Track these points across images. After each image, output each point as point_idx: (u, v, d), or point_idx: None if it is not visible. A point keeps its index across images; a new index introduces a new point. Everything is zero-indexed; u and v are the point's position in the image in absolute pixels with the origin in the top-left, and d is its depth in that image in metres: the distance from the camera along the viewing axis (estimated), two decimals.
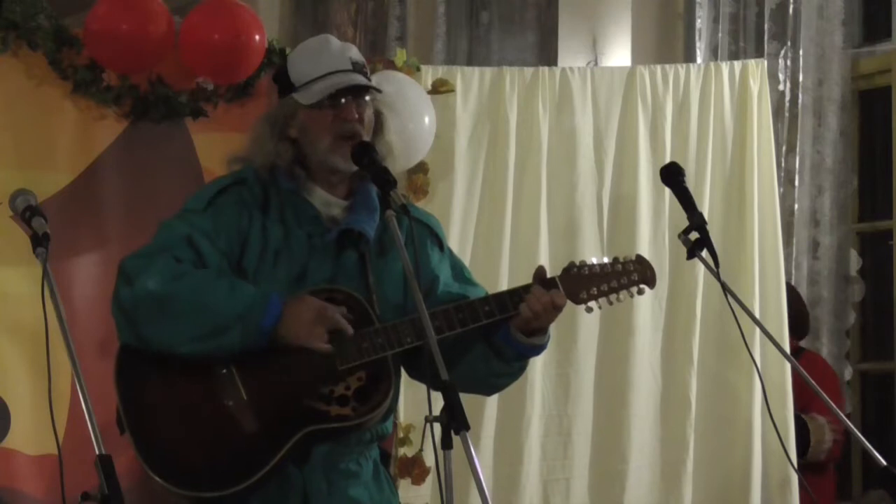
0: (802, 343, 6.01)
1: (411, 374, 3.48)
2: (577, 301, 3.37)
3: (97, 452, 2.69)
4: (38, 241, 3.13)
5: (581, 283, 3.37)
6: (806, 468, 5.64)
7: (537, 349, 3.39)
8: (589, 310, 3.41)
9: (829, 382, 5.67)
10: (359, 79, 3.37)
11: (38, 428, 4.68)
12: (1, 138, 4.81)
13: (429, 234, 3.46)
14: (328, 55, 3.39)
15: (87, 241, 4.87)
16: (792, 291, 5.91)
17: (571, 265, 3.40)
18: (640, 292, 3.43)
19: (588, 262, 3.40)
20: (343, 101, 3.34)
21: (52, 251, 3.12)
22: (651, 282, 3.42)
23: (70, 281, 4.76)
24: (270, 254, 3.31)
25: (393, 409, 3.39)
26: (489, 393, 3.64)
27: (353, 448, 3.32)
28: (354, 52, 3.42)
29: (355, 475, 3.33)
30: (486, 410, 5.33)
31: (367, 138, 3.35)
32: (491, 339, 3.36)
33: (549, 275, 3.38)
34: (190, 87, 4.98)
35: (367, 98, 3.39)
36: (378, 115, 3.42)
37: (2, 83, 4.82)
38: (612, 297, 3.40)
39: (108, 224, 4.93)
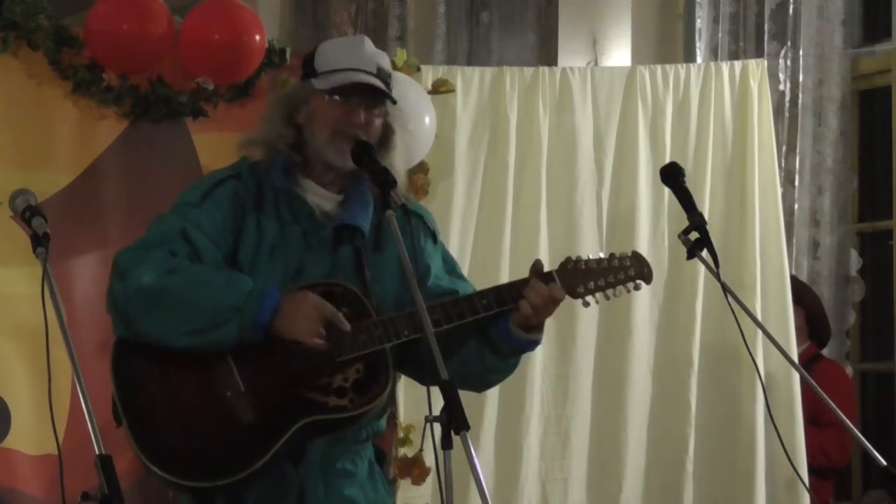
0: (825, 351, 5.98)
1: (405, 371, 3.47)
2: (575, 295, 3.37)
3: (97, 452, 2.69)
4: (38, 241, 3.13)
5: (578, 277, 3.37)
6: (812, 474, 5.60)
7: (534, 344, 3.39)
8: (586, 304, 3.40)
9: (843, 393, 5.63)
10: (376, 82, 3.36)
11: (38, 428, 4.68)
12: (1, 138, 4.81)
13: (422, 226, 3.46)
14: (357, 53, 3.38)
15: (87, 241, 4.87)
16: (811, 296, 5.89)
17: (568, 260, 3.39)
18: (637, 288, 3.42)
19: (584, 258, 3.40)
20: (354, 99, 3.34)
21: (52, 251, 3.13)
22: (647, 278, 3.41)
23: (70, 281, 4.76)
24: (266, 249, 3.31)
25: (389, 405, 3.39)
26: (480, 389, 3.63)
27: (349, 447, 3.32)
28: (385, 62, 3.41)
29: (351, 475, 3.33)
30: (486, 410, 5.32)
31: None
32: (487, 334, 3.36)
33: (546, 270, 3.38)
34: (190, 87, 4.98)
35: (380, 109, 3.37)
36: (387, 130, 3.40)
37: (2, 83, 4.82)
38: (609, 291, 3.39)
39: (108, 224, 4.92)
